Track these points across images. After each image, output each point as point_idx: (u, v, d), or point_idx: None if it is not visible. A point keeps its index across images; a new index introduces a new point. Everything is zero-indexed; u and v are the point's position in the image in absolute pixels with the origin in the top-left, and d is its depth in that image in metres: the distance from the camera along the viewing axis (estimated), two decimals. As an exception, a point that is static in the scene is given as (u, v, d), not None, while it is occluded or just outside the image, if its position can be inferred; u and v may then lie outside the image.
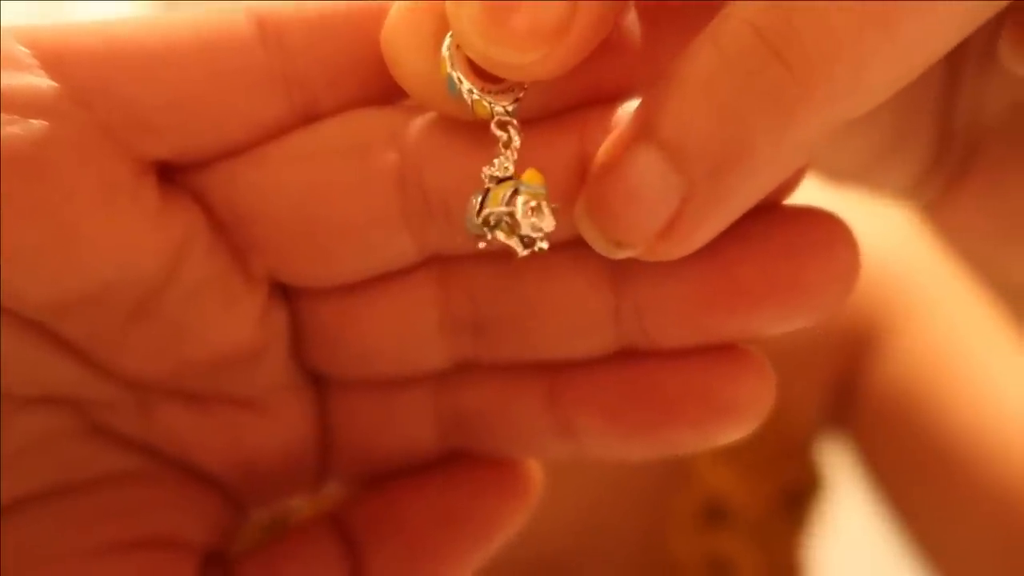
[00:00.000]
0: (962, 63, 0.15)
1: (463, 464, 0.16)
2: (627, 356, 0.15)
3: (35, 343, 0.14)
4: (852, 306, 0.38)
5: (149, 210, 0.13)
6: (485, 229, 0.13)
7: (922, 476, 0.35)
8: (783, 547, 0.41)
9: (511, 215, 0.13)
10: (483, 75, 0.13)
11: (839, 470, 0.41)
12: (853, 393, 0.38)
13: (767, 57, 0.11)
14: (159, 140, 0.13)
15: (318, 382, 0.16)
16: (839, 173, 0.17)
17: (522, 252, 0.14)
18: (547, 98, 0.14)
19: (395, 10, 0.13)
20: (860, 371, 0.38)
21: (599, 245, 0.13)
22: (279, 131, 0.14)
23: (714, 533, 0.39)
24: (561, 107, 0.14)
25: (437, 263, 0.15)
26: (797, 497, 0.40)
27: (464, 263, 0.15)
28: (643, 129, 0.12)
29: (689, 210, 0.12)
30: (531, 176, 0.14)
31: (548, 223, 0.13)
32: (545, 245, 0.14)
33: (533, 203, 0.13)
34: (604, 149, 0.13)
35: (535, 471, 0.17)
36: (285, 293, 0.15)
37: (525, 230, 0.13)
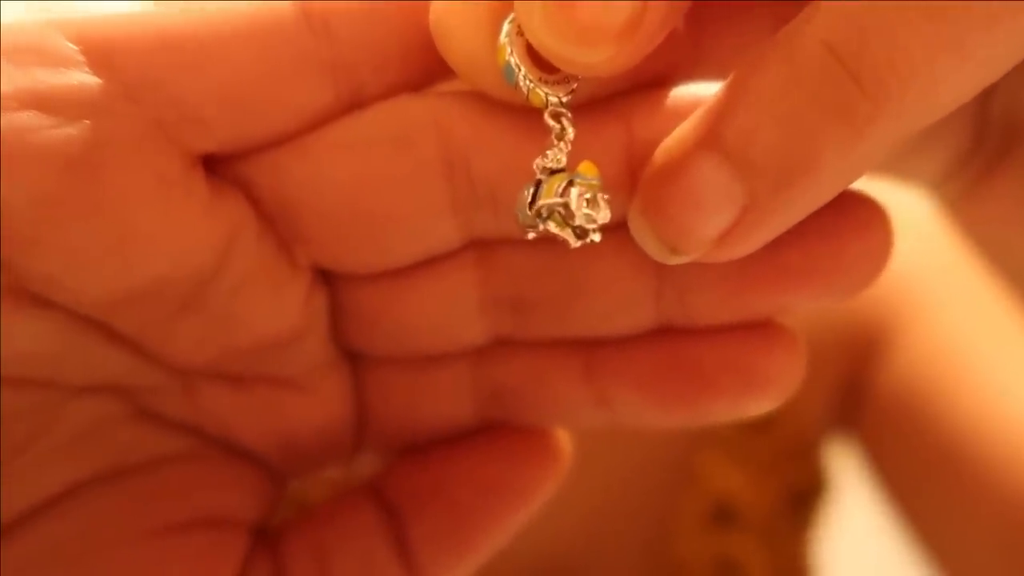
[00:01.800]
0: None
1: (498, 433, 0.17)
2: (664, 331, 0.16)
3: (87, 336, 0.14)
4: (860, 307, 0.39)
5: (201, 204, 0.13)
6: (537, 220, 0.14)
7: (929, 477, 0.35)
8: (790, 548, 0.41)
9: (565, 206, 0.13)
10: (540, 63, 0.13)
11: (846, 471, 0.41)
12: (860, 394, 0.38)
13: (840, 75, 0.12)
14: (209, 133, 0.13)
15: (355, 359, 0.17)
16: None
17: (575, 243, 0.14)
18: (595, 86, 0.14)
19: None
20: (867, 372, 0.38)
21: (653, 250, 0.13)
22: (325, 119, 0.14)
23: (721, 534, 0.39)
24: (608, 94, 0.14)
25: (478, 245, 0.15)
26: (804, 498, 0.41)
27: (506, 245, 0.15)
28: (708, 137, 0.13)
29: (749, 219, 0.12)
30: (586, 168, 0.14)
31: (603, 215, 0.14)
32: (598, 237, 0.14)
33: (588, 195, 0.14)
34: (663, 153, 0.13)
35: (566, 440, 0.17)
36: (325, 275, 0.16)
37: (579, 221, 0.14)
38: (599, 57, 0.12)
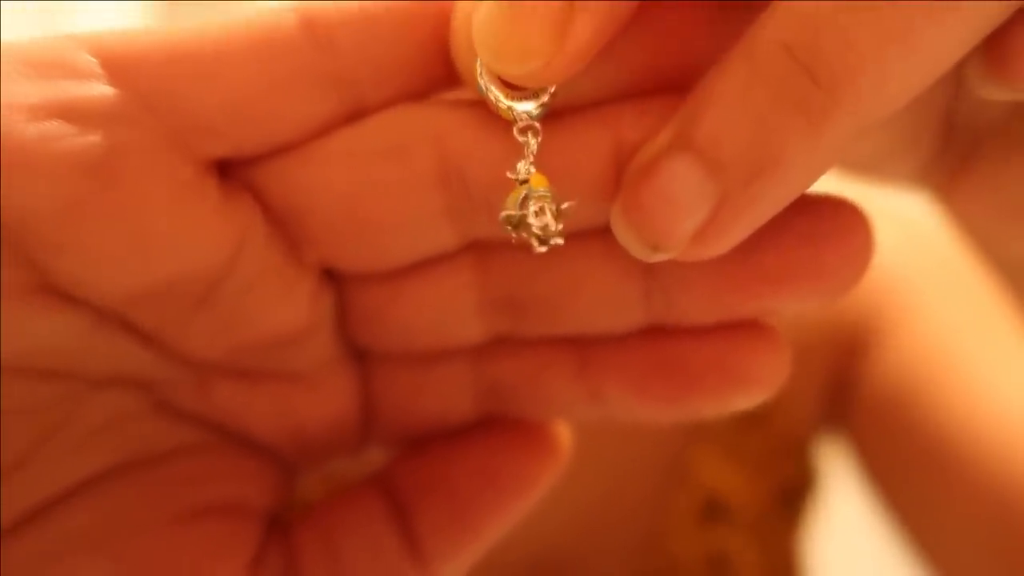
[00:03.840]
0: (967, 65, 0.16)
1: (499, 427, 0.17)
2: (654, 330, 0.16)
3: (109, 330, 0.15)
4: (849, 306, 0.39)
5: (213, 207, 0.14)
6: (508, 228, 0.15)
7: (916, 474, 0.36)
8: (781, 544, 0.41)
9: (523, 217, 0.14)
10: (509, 82, 0.14)
11: (837, 467, 0.42)
12: (849, 392, 0.39)
13: (797, 72, 0.12)
14: (219, 141, 0.14)
15: (361, 356, 0.17)
16: (853, 167, 0.18)
17: (538, 248, 0.15)
18: (585, 91, 0.15)
19: (459, 8, 0.14)
20: (856, 370, 0.39)
21: (635, 249, 0.14)
22: (328, 128, 0.15)
23: (713, 530, 0.39)
24: (598, 100, 0.15)
25: (476, 247, 0.16)
26: (795, 494, 0.41)
27: (502, 247, 0.16)
28: (680, 138, 0.13)
29: (723, 215, 0.13)
30: (537, 181, 0.15)
31: (551, 224, 0.15)
32: (560, 241, 0.15)
33: (536, 207, 0.14)
34: (640, 157, 0.14)
35: (565, 432, 0.18)
36: (331, 275, 0.16)
37: (536, 231, 0.15)
38: (530, 67, 0.13)
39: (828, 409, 0.40)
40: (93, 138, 0.13)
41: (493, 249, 0.16)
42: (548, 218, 0.14)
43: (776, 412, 0.40)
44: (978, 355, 0.36)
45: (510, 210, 0.14)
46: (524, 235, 0.15)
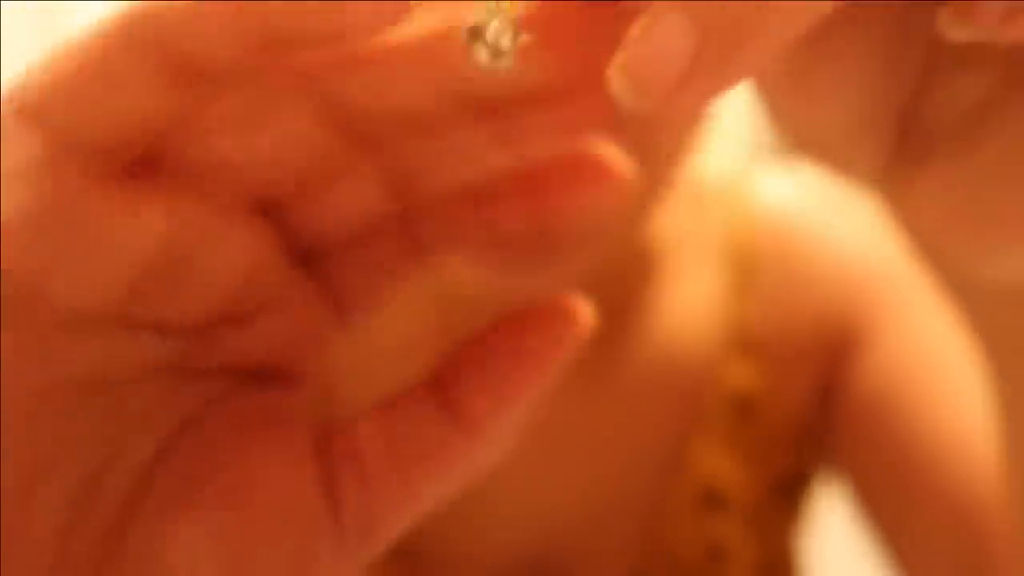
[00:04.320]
0: (931, 74, 0.17)
1: (521, 313, 0.20)
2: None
3: (124, 332, 0.16)
4: (842, 304, 0.39)
5: (131, 204, 0.15)
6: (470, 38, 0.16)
7: (888, 479, 0.37)
8: (779, 535, 0.41)
9: (478, 28, 0.16)
10: None
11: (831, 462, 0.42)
12: (837, 392, 0.40)
13: None
14: (114, 154, 0.15)
15: (311, 264, 0.19)
16: (809, 145, 0.19)
17: (487, 64, 0.16)
18: None
19: None
20: (842, 373, 0.40)
21: (626, 97, 0.15)
22: (192, 107, 0.16)
23: (711, 521, 0.40)
24: None
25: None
26: (792, 486, 0.41)
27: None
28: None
29: (702, 66, 0.15)
30: (510, 6, 0.16)
31: (507, 43, 0.16)
32: (509, 65, 0.16)
33: (499, 23, 0.16)
34: (639, 21, 0.15)
35: (584, 306, 0.20)
36: (264, 212, 0.18)
37: (490, 44, 0.16)
38: None
39: (821, 408, 0.41)
40: (39, 186, 0.14)
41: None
42: (507, 38, 0.16)
43: (773, 406, 0.40)
44: (959, 361, 0.37)
45: (478, 21, 0.16)
46: (477, 47, 0.16)
